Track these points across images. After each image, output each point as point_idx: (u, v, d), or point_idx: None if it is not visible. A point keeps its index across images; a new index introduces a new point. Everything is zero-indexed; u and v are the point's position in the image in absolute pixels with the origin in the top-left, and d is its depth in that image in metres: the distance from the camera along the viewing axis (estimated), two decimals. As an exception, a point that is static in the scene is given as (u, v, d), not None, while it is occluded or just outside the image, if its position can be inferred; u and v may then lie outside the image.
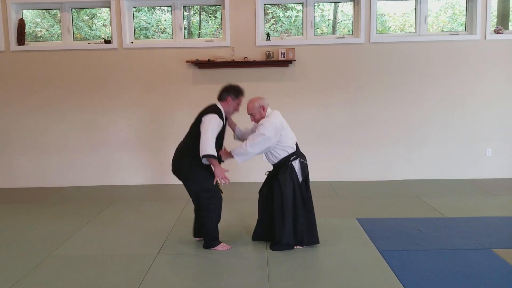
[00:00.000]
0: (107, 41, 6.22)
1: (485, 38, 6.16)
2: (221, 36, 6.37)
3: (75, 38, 6.44)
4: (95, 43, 6.30)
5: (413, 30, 6.35)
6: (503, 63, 6.21)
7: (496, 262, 3.39)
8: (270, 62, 6.14)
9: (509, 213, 4.74)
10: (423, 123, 6.31)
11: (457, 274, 3.22)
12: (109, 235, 4.27)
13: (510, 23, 6.46)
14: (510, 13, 6.51)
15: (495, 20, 6.41)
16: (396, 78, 6.25)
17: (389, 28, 6.70)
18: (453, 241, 3.87)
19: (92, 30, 6.66)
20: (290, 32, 6.57)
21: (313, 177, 6.37)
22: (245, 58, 6.14)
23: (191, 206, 5.17)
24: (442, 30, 6.55)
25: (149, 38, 6.60)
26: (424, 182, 6.20)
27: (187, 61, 6.14)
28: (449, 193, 5.58)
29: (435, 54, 6.20)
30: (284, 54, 6.10)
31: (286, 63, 6.18)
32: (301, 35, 6.36)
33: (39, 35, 6.64)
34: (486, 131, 6.32)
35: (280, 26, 6.65)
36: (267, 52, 6.12)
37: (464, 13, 6.38)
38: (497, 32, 6.18)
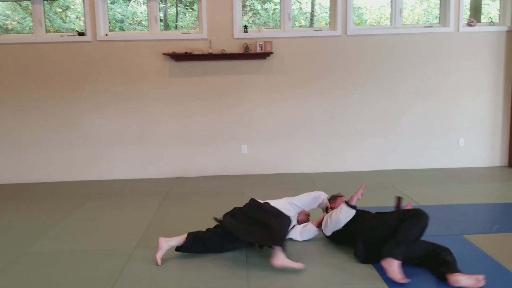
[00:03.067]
0: (81, 34, 6.13)
1: (458, 31, 6.29)
2: (198, 29, 6.34)
3: (47, 31, 6.33)
4: (68, 35, 6.20)
5: (389, 23, 6.43)
6: (475, 55, 6.34)
7: (467, 247, 3.50)
8: (248, 54, 6.15)
9: (480, 200, 4.88)
10: (399, 114, 6.42)
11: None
12: (85, 230, 4.24)
13: (482, 16, 6.60)
14: (482, 6, 6.65)
15: (468, 13, 6.53)
16: (372, 70, 6.33)
17: (366, 21, 6.78)
18: (427, 228, 3.96)
19: (66, 22, 6.55)
20: (269, 25, 6.59)
21: (291, 169, 6.46)
22: (223, 51, 6.14)
23: (169, 200, 5.20)
24: (417, 23, 6.65)
25: (124, 31, 6.53)
26: (399, 172, 6.32)
27: (163, 54, 6.10)
28: (423, 182, 5.70)
29: (410, 46, 6.30)
30: (262, 47, 6.12)
31: (264, 55, 6.20)
32: (279, 27, 6.38)
33: (10, 28, 6.50)
34: (459, 121, 6.46)
35: (259, 19, 6.66)
36: (245, 45, 6.12)
37: (439, 6, 6.49)
38: (469, 24, 6.30)
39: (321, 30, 6.32)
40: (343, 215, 3.52)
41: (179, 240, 3.51)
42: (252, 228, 3.44)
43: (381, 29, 6.30)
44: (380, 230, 3.25)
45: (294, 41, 6.25)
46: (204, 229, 3.65)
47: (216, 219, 3.61)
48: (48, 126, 6.28)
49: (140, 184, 6.07)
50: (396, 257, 3.00)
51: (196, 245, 3.51)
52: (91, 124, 6.30)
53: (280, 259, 3.20)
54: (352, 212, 3.52)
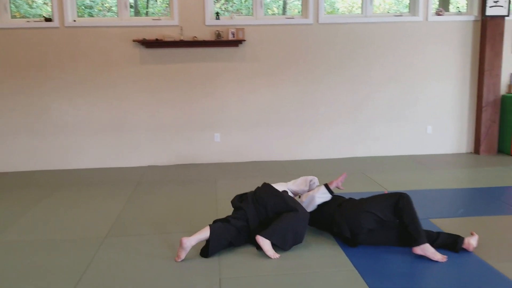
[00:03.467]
0: (48, 20, 5.98)
1: (427, 20, 6.39)
2: (169, 15, 6.26)
3: (13, 17, 6.14)
4: (35, 21, 6.03)
5: (361, 12, 6.49)
6: (443, 44, 6.47)
7: (432, 229, 3.59)
8: (220, 42, 6.12)
9: (446, 186, 5.03)
10: (369, 102, 6.52)
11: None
12: (55, 220, 4.18)
13: (450, 5, 6.73)
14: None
15: (437, 2, 6.65)
16: (344, 58, 6.39)
17: (338, 9, 6.82)
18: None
19: (33, 8, 6.38)
20: (241, 12, 6.56)
21: (264, 157, 6.50)
22: (194, 38, 6.09)
23: (140, 189, 5.17)
24: (388, 12, 6.73)
25: (94, 17, 6.39)
26: (369, 159, 6.44)
27: (133, 41, 6.01)
28: (392, 169, 5.83)
29: (381, 35, 6.38)
30: (234, 34, 6.09)
31: (236, 43, 6.18)
32: (252, 15, 6.36)
33: (-26, 13, 6.29)
34: (427, 109, 6.61)
35: (231, 6, 6.63)
36: (217, 32, 6.09)
37: (407, -5, 6.59)
38: (438, 13, 6.42)
39: (293, 18, 6.33)
40: (319, 195, 3.58)
41: (201, 236, 3.27)
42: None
43: (353, 18, 6.36)
44: (367, 217, 3.31)
45: (267, 29, 6.25)
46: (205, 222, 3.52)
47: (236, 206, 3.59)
48: (15, 114, 6.13)
49: (111, 173, 6.01)
50: (425, 242, 3.15)
51: (223, 244, 3.35)
52: (60, 112, 6.18)
53: (265, 245, 3.26)
54: (328, 196, 3.60)
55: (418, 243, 3.14)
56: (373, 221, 3.30)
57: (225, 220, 3.46)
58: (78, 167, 6.30)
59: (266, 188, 3.68)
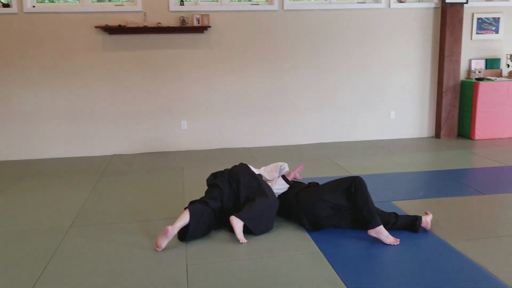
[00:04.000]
0: (6, 5, 5.77)
1: (389, 7, 6.51)
2: (132, 1, 6.14)
3: (-32, 1, 5.91)
4: (-8, 6, 5.82)
5: (324, -2, 6.54)
6: (405, 31, 6.61)
7: (395, 211, 3.71)
8: (184, 28, 6.05)
9: (407, 169, 5.19)
10: (334, 88, 6.60)
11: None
12: (17, 210, 4.09)
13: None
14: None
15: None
16: (309, 45, 6.44)
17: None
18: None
19: (-12, -8, 6.13)
20: (205, -2, 6.49)
21: (232, 143, 6.51)
22: (158, 24, 6.00)
23: (105, 179, 5.10)
24: (351, -2, 6.80)
25: (54, 2, 6.20)
26: (335, 144, 6.55)
27: (96, 27, 5.88)
28: (357, 154, 5.96)
29: (345, 22, 6.46)
30: (199, 20, 6.04)
31: (201, 29, 6.13)
32: (216, 1, 6.31)
33: None
34: (390, 95, 6.76)
35: (195, -8, 6.54)
36: (181, 18, 6.02)
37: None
38: (400, 1, 6.54)
39: (258, 4, 6.33)
40: (276, 186, 3.68)
41: (183, 222, 3.25)
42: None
43: (317, 4, 6.40)
44: (321, 206, 3.37)
45: (232, 15, 6.22)
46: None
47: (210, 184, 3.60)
48: (-28, 103, 5.93)
49: (75, 162, 5.90)
50: (379, 224, 3.22)
51: (202, 229, 3.36)
52: (20, 101, 6.00)
53: (238, 227, 3.29)
54: (286, 186, 3.69)
55: (372, 225, 3.22)
56: (329, 208, 3.37)
57: (203, 202, 3.46)
58: (40, 157, 6.15)
59: (243, 167, 3.74)
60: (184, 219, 3.27)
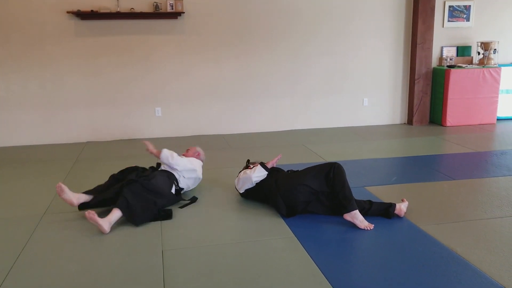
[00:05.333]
0: (-28, -12, 5.58)
1: (363, -6, 6.55)
2: (104, -15, 6.01)
3: None
4: (-44, -11, 5.61)
5: (299, -16, 6.53)
6: (377, 18, 6.67)
7: (367, 196, 3.78)
8: (158, 14, 5.97)
9: (380, 155, 5.28)
10: (307, 75, 6.63)
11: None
12: (-12, 198, 4.01)
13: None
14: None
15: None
16: (281, 31, 6.44)
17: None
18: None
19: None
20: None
21: (206, 130, 6.49)
22: (132, 9, 5.90)
23: (79, 166, 5.03)
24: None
25: (22, -15, 6.02)
26: (309, 131, 6.60)
27: (67, 12, 5.74)
28: (331, 140, 6.02)
29: (317, 6, 6.46)
30: (172, 6, 5.96)
31: (175, 15, 6.05)
32: (189, -14, 6.23)
33: None
34: (363, 82, 6.83)
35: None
36: (155, 3, 5.93)
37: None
38: (373, -12, 6.58)
39: (232, -10, 6.27)
40: (256, 174, 3.69)
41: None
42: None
43: (292, -9, 6.39)
44: (301, 190, 3.41)
45: (206, 1, 6.15)
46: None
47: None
48: None
49: (47, 150, 5.79)
50: (355, 209, 3.27)
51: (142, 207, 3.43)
52: (-11, 88, 5.85)
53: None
54: (265, 173, 3.71)
55: (348, 210, 3.28)
56: (308, 193, 3.41)
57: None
58: (12, 145, 6.02)
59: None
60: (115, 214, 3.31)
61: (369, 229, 3.24)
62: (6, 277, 2.65)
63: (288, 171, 3.80)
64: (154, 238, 3.14)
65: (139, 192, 3.43)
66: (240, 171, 3.93)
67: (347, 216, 3.30)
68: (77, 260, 2.85)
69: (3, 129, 5.97)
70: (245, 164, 4.09)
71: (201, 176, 4.08)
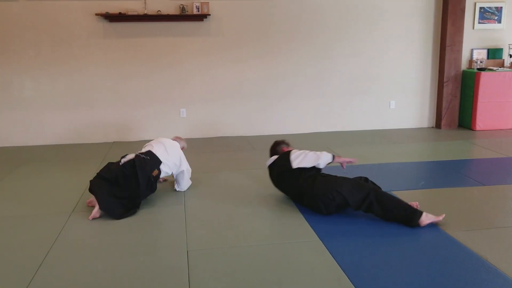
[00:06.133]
0: (5, -9, 5.73)
1: (391, -4, 6.47)
2: (132, -12, 6.09)
3: (-34, -14, 5.85)
4: (-9, -8, 5.77)
5: (325, -14, 6.48)
6: (406, 18, 6.57)
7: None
8: (184, 16, 6.02)
9: (407, 159, 5.18)
10: (333, 77, 6.58)
11: (360, 215, 3.51)
12: (19, 196, 4.10)
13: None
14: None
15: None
16: (307, 32, 6.40)
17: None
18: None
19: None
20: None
21: (230, 132, 6.50)
22: (159, 12, 5.96)
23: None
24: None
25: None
26: (333, 133, 6.54)
27: (96, 14, 5.84)
28: (356, 143, 5.94)
29: (344, 9, 6.40)
30: (198, 8, 6.00)
31: (200, 17, 6.09)
32: (216, -12, 6.26)
33: None
34: (389, 84, 6.73)
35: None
36: (181, 6, 5.97)
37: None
38: (402, -11, 6.49)
39: (259, -8, 6.27)
40: (323, 158, 3.64)
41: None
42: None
43: (318, -8, 6.35)
44: (336, 197, 3.40)
45: (232, 3, 6.17)
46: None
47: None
48: (-28, 90, 5.91)
49: (75, 149, 5.89)
50: (420, 213, 3.25)
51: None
52: (20, 88, 5.98)
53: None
54: (328, 161, 3.66)
55: (416, 221, 3.23)
56: (343, 202, 3.39)
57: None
58: (41, 144, 6.14)
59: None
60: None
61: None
62: (35, 274, 2.70)
63: (325, 174, 3.70)
64: (179, 239, 3.15)
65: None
66: (291, 151, 3.83)
67: (423, 223, 3.24)
68: (103, 259, 2.88)
69: (31, 128, 6.10)
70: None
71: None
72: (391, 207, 3.29)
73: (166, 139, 4.19)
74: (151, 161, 3.82)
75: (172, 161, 3.98)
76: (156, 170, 3.83)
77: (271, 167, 3.90)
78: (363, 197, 3.34)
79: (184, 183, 4.15)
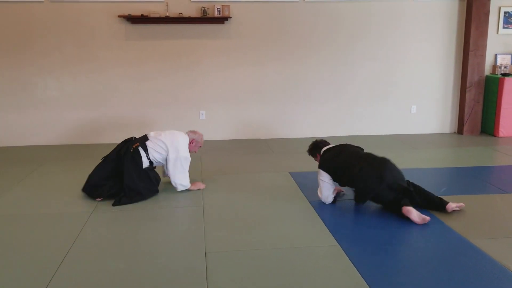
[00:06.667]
0: (31, -7, 5.85)
1: (414, -1, 6.41)
2: (154, -9, 6.15)
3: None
4: (17, -6, 5.89)
5: (347, -10, 6.45)
6: (428, 23, 6.49)
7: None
8: (205, 18, 6.05)
9: (429, 165, 5.11)
10: (353, 81, 6.53)
11: (379, 221, 3.48)
12: (41, 194, 4.17)
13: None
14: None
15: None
16: (329, 36, 6.38)
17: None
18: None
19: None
20: (226, -12, 6.47)
21: (248, 134, 6.51)
22: (180, 14, 6.01)
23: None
24: (374, -10, 6.70)
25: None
26: (353, 138, 6.46)
27: (119, 16, 5.92)
28: (377, 148, 5.83)
29: (366, 13, 6.36)
30: (219, 11, 6.03)
31: (221, 20, 6.11)
32: (237, -9, 6.28)
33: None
34: (411, 89, 6.65)
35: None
36: (203, 8, 6.01)
37: (395, -26, 6.56)
38: (424, -7, 6.42)
39: (280, -5, 6.28)
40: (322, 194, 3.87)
41: None
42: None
43: (340, -4, 6.33)
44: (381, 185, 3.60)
45: (253, 6, 6.19)
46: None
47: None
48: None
49: (95, 149, 5.95)
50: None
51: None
52: (44, 88, 6.09)
53: None
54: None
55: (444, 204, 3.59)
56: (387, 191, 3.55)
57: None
58: (60, 143, 6.24)
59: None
60: None
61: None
62: (55, 272, 2.74)
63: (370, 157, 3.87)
64: (198, 240, 3.16)
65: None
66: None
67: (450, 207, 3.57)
68: (123, 259, 2.91)
69: (54, 128, 6.20)
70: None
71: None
72: None
73: (176, 131, 4.25)
74: (139, 138, 4.07)
75: (162, 140, 4.01)
76: (137, 143, 4.00)
77: None
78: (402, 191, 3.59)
79: (171, 172, 4.05)
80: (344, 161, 3.75)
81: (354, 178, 3.64)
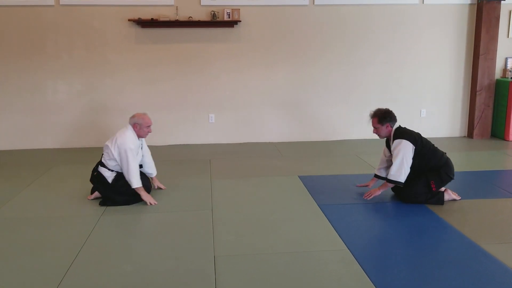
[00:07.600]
0: (43, -3, 5.91)
1: (423, 3, 6.37)
2: (164, -5, 6.19)
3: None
4: (29, -2, 5.96)
5: (356, -7, 6.45)
6: (438, 27, 6.47)
7: (427, 213, 3.67)
8: (215, 22, 6.08)
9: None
10: (363, 84, 6.52)
11: (390, 225, 3.46)
12: (51, 197, 4.20)
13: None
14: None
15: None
16: (338, 40, 6.37)
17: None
18: (387, 195, 4.12)
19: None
20: (236, -8, 6.49)
21: (257, 138, 6.51)
22: (190, 18, 6.04)
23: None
24: (384, -6, 6.69)
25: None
26: (362, 141, 6.47)
27: (129, 20, 5.96)
28: (386, 152, 5.85)
29: (376, 17, 6.36)
30: (229, 15, 6.05)
31: (231, 23, 6.14)
32: (246, -5, 6.30)
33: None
34: (421, 92, 6.62)
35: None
36: (212, 12, 6.04)
37: (405, -23, 6.54)
38: (434, -4, 6.40)
39: (289, -1, 6.29)
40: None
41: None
42: None
43: (348, 0, 6.31)
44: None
45: (262, 10, 6.20)
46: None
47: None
48: (10, 93, 6.09)
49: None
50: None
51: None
52: (55, 91, 6.15)
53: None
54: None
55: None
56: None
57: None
58: (70, 146, 6.29)
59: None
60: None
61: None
62: (65, 274, 2.76)
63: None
64: (207, 244, 3.17)
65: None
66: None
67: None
68: (131, 261, 2.93)
69: (63, 131, 6.25)
70: None
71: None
72: None
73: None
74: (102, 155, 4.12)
75: (107, 145, 4.01)
76: (99, 162, 4.08)
77: None
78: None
79: (123, 169, 3.93)
80: (429, 143, 4.03)
81: (443, 164, 3.93)
